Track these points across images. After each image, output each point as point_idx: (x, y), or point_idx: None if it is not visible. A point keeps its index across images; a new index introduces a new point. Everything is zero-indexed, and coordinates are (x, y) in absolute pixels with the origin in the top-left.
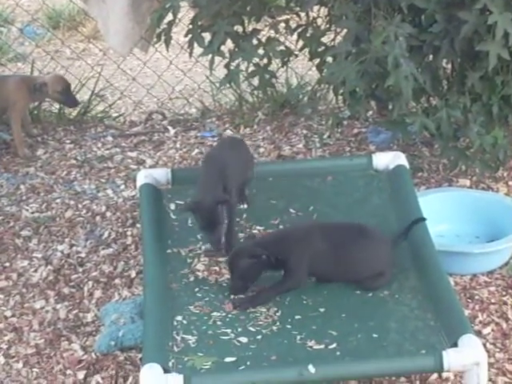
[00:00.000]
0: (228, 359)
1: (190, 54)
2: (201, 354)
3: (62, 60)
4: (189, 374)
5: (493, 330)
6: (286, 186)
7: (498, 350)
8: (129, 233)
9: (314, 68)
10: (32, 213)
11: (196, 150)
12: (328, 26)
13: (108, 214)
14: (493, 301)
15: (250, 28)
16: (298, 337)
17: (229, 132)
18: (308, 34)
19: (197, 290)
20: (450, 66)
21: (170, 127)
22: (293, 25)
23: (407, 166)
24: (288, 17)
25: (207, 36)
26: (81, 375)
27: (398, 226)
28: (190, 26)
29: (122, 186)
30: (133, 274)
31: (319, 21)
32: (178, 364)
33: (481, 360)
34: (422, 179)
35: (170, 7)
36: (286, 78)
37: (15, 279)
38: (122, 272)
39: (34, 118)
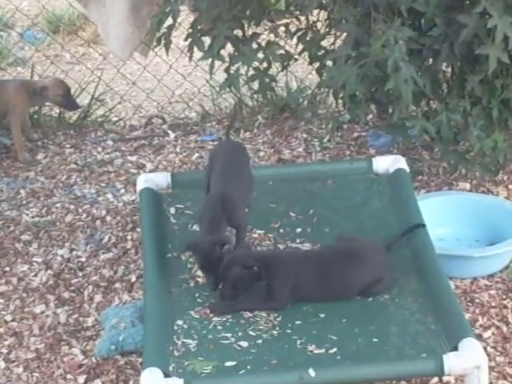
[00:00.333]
0: (228, 363)
1: (190, 58)
2: (201, 359)
3: (62, 64)
4: (189, 379)
5: (493, 334)
6: (286, 190)
7: (498, 353)
8: (129, 237)
9: (314, 72)
10: (32, 217)
11: (196, 154)
12: (328, 29)
13: (108, 218)
14: (493, 304)
15: (250, 32)
16: (299, 341)
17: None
18: (308, 38)
19: (197, 294)
20: (449, 69)
21: (169, 131)
22: (292, 29)
23: (407, 169)
24: (288, 21)
25: (207, 40)
26: (81, 380)
27: (398, 229)
28: (190, 30)
29: (122, 191)
30: (133, 278)
31: (319, 24)
32: (178, 368)
33: (481, 363)
34: (422, 183)
35: (169, 11)
36: (285, 81)
37: (15, 284)
38: (122, 276)
39: (34, 123)
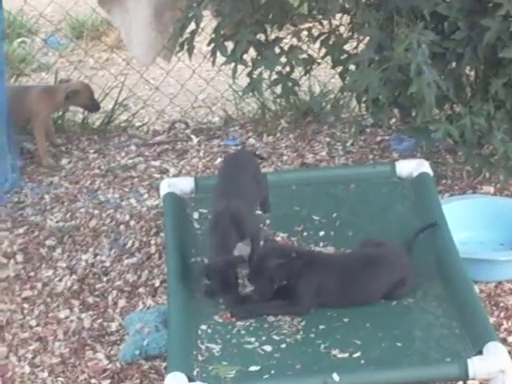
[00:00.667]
0: (252, 368)
1: (213, 63)
2: (225, 363)
3: (86, 70)
4: (213, 383)
5: None
6: (309, 194)
7: None
8: (152, 242)
9: (337, 76)
10: (56, 222)
11: (219, 159)
12: (350, 33)
13: (132, 223)
14: None
15: (273, 36)
16: (322, 346)
17: (251, 141)
18: (330, 42)
19: (221, 299)
20: (473, 72)
21: (193, 136)
22: (315, 33)
23: (431, 173)
24: (310, 25)
25: (230, 45)
26: None
27: (422, 233)
28: (213, 35)
29: (146, 195)
30: (157, 282)
31: (342, 28)
32: (202, 373)
33: (506, 368)
34: (446, 186)
35: (192, 16)
36: (308, 85)
37: (40, 289)
38: (146, 281)
39: (57, 128)
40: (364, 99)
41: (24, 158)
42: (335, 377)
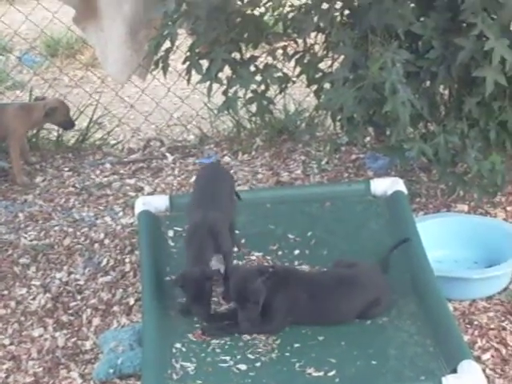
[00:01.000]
0: None
1: (188, 81)
2: (200, 382)
3: (60, 88)
4: None
5: (492, 356)
6: (284, 212)
7: (497, 375)
8: (127, 260)
9: (312, 94)
10: (30, 240)
11: (194, 177)
12: (325, 52)
13: (106, 241)
14: (492, 326)
15: (248, 55)
16: (297, 364)
17: (227, 159)
18: (305, 61)
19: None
20: (447, 91)
21: (168, 154)
22: (290, 51)
23: (405, 191)
24: (285, 43)
25: (205, 63)
26: None
27: (396, 251)
28: (188, 53)
29: (121, 213)
30: (131, 301)
31: (316, 47)
32: None
33: None
34: (420, 205)
35: (167, 34)
36: (283, 104)
37: (13, 307)
38: (120, 299)
39: (32, 146)
40: (339, 118)
41: None
42: None
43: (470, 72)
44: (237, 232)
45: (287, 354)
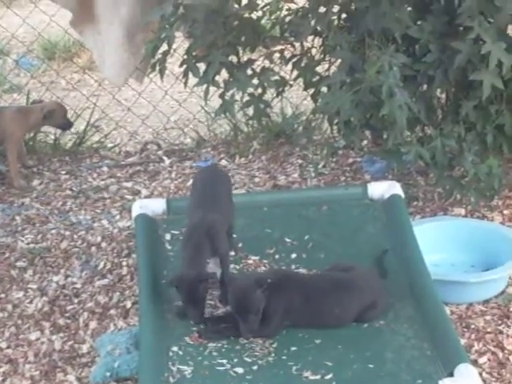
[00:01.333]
0: None
1: (185, 84)
2: None
3: (58, 91)
4: None
5: (489, 360)
6: (281, 216)
7: (494, 379)
8: (124, 263)
9: (309, 98)
10: (27, 244)
11: (191, 180)
12: (322, 56)
13: (103, 244)
14: (489, 330)
15: (245, 58)
16: (294, 367)
17: (224, 162)
18: (302, 64)
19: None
20: (444, 95)
21: (165, 157)
22: (287, 55)
23: (402, 195)
24: (282, 47)
25: (202, 66)
26: None
27: (394, 255)
28: (185, 57)
29: (118, 217)
30: (128, 304)
31: (314, 51)
32: None
33: None
34: (417, 208)
35: (164, 37)
36: (280, 107)
37: (10, 310)
38: (117, 303)
39: (29, 149)
40: (336, 121)
41: None
42: None
43: (466, 75)
44: (234, 235)
45: (284, 357)
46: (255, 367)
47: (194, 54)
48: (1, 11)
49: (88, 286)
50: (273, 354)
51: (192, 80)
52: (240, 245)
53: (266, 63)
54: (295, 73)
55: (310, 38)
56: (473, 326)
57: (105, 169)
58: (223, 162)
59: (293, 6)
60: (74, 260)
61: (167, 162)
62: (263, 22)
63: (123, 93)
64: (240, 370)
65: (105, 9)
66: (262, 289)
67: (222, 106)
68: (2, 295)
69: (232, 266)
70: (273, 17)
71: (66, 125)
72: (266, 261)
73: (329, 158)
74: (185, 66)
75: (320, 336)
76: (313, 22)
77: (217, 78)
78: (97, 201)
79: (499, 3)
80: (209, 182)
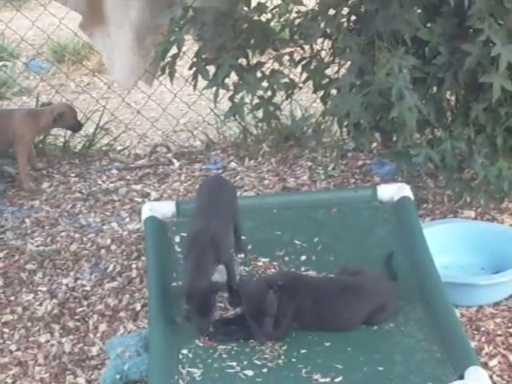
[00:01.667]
0: None
1: (195, 87)
2: None
3: (67, 94)
4: None
5: (499, 362)
6: (290, 218)
7: (504, 382)
8: (134, 266)
9: (318, 100)
10: (37, 246)
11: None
12: (332, 58)
13: (113, 247)
14: (499, 332)
15: (254, 61)
16: (304, 370)
17: (233, 165)
18: (312, 67)
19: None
20: (453, 97)
21: (174, 160)
22: (297, 57)
23: (412, 197)
24: (292, 49)
25: (211, 69)
26: None
27: (403, 257)
28: (195, 59)
29: (127, 219)
30: (138, 307)
31: (323, 53)
32: None
33: None
34: (427, 211)
35: (174, 40)
36: (290, 110)
37: (20, 313)
38: (127, 305)
39: (38, 152)
40: (345, 123)
41: (5, 182)
42: None
43: (476, 78)
44: (243, 238)
45: (294, 359)
46: (265, 370)
47: (203, 56)
48: (10, 14)
49: (98, 288)
50: (282, 357)
51: (201, 83)
52: (249, 247)
53: (276, 66)
54: (304, 75)
55: (320, 40)
56: (483, 329)
57: (114, 171)
58: (232, 165)
59: (302, 9)
60: (83, 262)
61: (177, 164)
62: (272, 24)
63: (133, 95)
64: (250, 373)
65: (114, 11)
66: (273, 291)
67: (231, 109)
68: (12, 298)
69: (241, 268)
70: (282, 19)
71: (76, 126)
72: (275, 263)
73: (338, 160)
74: (194, 69)
75: (330, 339)
76: (322, 25)
77: (226, 80)
78: (106, 203)
79: (509, 5)
80: (211, 192)
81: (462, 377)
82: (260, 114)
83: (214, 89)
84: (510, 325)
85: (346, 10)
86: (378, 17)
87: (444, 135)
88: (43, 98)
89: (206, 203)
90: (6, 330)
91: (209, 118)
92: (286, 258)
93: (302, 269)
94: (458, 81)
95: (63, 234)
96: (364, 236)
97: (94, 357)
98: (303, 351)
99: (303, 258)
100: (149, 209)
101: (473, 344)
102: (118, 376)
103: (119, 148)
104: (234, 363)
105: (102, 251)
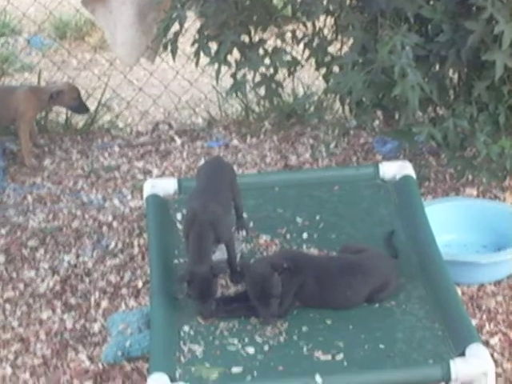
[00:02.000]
0: (235, 369)
1: (197, 64)
2: (208, 365)
3: (69, 70)
4: None
5: (500, 340)
6: (292, 196)
7: (505, 359)
8: (135, 243)
9: (321, 78)
10: (39, 223)
11: (202, 160)
12: (334, 35)
13: (115, 224)
14: (500, 311)
15: (257, 38)
16: (305, 348)
17: (235, 142)
18: (314, 44)
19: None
20: (456, 75)
21: (176, 137)
22: (299, 35)
23: (414, 175)
24: (294, 27)
25: (214, 46)
26: None
27: (405, 235)
28: (197, 36)
29: (129, 196)
30: (139, 284)
31: (325, 31)
32: (184, 374)
33: (488, 370)
34: (429, 189)
35: (176, 17)
36: (292, 87)
37: (22, 289)
38: (128, 282)
39: (40, 129)
40: (348, 101)
41: (7, 159)
42: (318, 379)
43: (479, 56)
44: (245, 215)
45: (295, 337)
46: (266, 347)
47: (205, 33)
48: None
49: (99, 265)
50: (284, 334)
51: (203, 60)
52: (251, 224)
53: (278, 43)
54: (307, 52)
55: (322, 17)
56: (484, 307)
57: (116, 148)
58: (234, 142)
59: None
60: (85, 239)
61: (178, 141)
62: (275, 1)
63: (134, 72)
64: (251, 350)
65: None
66: (278, 272)
67: (233, 86)
68: (14, 274)
69: (243, 245)
70: None
71: (79, 108)
72: (277, 240)
73: (340, 138)
74: (196, 46)
75: (331, 316)
76: (325, 2)
77: (228, 57)
78: (108, 180)
79: None
80: (210, 174)
81: (463, 354)
82: (262, 91)
83: (216, 66)
84: (511, 303)
85: None
86: None
87: (446, 113)
88: (45, 75)
89: (205, 185)
90: (7, 306)
91: (211, 95)
92: (288, 236)
93: (304, 246)
94: (461, 59)
95: (65, 210)
96: (366, 214)
97: (96, 333)
98: (304, 329)
99: (305, 235)
100: (150, 186)
101: (474, 322)
102: (119, 352)
103: (121, 125)
104: (235, 340)
105: (104, 228)
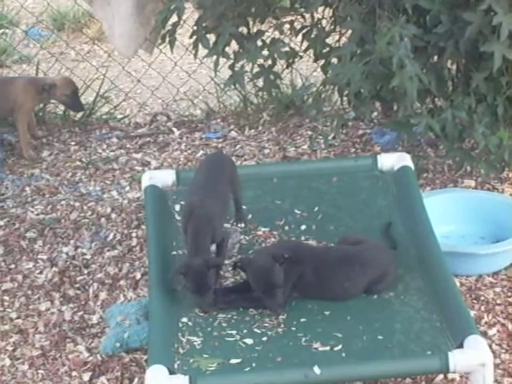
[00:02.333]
0: (233, 361)
1: (195, 56)
2: (206, 356)
3: (67, 62)
4: (194, 376)
5: (498, 331)
6: (290, 187)
7: (503, 351)
8: (134, 234)
9: (319, 69)
10: (37, 214)
11: (201, 152)
12: (333, 27)
13: (113, 215)
14: (498, 302)
15: (255, 29)
16: (304, 339)
17: (233, 133)
18: (313, 35)
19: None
20: (454, 66)
21: (174, 129)
22: (297, 26)
23: (412, 166)
24: (293, 18)
25: (212, 37)
26: (86, 377)
27: (403, 227)
28: (195, 28)
29: (127, 188)
30: (138, 275)
31: (324, 22)
32: (183, 365)
33: (486, 361)
34: (427, 180)
35: (174, 9)
36: (290, 79)
37: (20, 281)
38: (127, 274)
39: (39, 120)
40: (346, 92)
41: (5, 150)
42: (316, 370)
43: (477, 47)
44: (243, 207)
45: (293, 328)
46: (264, 338)
47: (203, 25)
48: None
49: (98, 256)
50: (282, 326)
51: (202, 51)
52: (250, 216)
53: (276, 34)
54: (305, 44)
55: (321, 8)
56: (482, 298)
57: (114, 140)
58: (233, 134)
59: None
60: (83, 231)
61: (177, 133)
62: None
63: (133, 64)
64: (249, 341)
65: None
66: (279, 263)
67: (231, 78)
68: (12, 266)
69: (241, 237)
70: None
71: (71, 105)
72: (275, 232)
73: (339, 129)
74: (194, 37)
75: (329, 307)
76: None
77: (227, 49)
78: (106, 172)
79: None
80: (211, 167)
81: (461, 345)
82: (260, 82)
83: (215, 57)
84: (509, 294)
85: None
86: None
87: (445, 104)
88: (43, 67)
89: (204, 179)
90: (6, 297)
91: (209, 86)
92: (286, 227)
93: (302, 238)
94: (459, 50)
95: (63, 202)
96: (364, 205)
97: (94, 325)
98: (303, 320)
99: (303, 227)
100: (149, 177)
101: (472, 313)
102: (118, 344)
103: (119, 116)
104: (234, 332)
105: (102, 220)
